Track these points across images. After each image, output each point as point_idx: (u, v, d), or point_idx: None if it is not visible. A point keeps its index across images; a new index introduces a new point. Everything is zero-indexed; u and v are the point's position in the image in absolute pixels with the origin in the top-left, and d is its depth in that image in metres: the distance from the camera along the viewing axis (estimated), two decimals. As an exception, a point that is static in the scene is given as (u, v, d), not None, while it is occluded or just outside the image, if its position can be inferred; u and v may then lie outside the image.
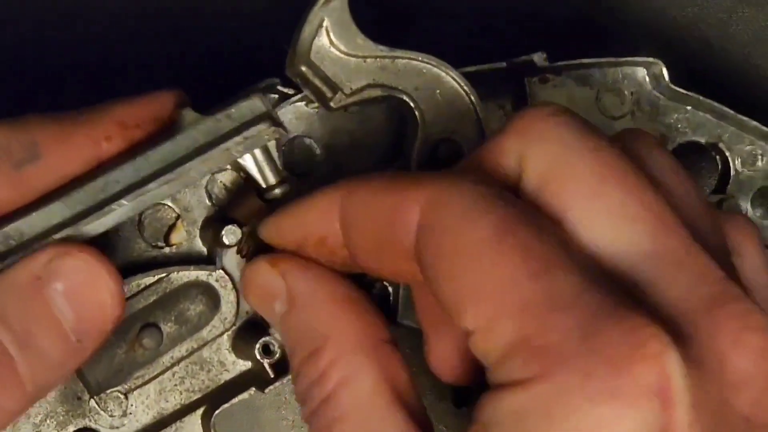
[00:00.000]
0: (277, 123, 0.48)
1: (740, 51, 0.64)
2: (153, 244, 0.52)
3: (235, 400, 0.53)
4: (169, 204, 0.52)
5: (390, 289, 0.54)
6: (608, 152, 0.40)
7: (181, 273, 0.52)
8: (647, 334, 0.35)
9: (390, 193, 0.42)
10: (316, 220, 0.45)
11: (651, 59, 0.56)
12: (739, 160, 0.58)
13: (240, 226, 0.50)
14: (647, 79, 0.57)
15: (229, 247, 0.51)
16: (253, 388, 0.53)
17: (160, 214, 0.52)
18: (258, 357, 0.52)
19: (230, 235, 0.50)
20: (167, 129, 0.48)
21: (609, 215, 0.39)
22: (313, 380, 0.43)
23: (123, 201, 0.46)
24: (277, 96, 0.53)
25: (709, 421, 0.35)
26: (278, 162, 0.50)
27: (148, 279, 0.52)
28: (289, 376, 0.51)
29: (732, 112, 0.57)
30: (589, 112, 0.56)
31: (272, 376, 0.52)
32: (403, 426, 0.42)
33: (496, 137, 0.42)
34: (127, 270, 0.51)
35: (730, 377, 0.36)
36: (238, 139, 0.48)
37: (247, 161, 0.49)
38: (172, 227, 0.53)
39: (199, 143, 0.48)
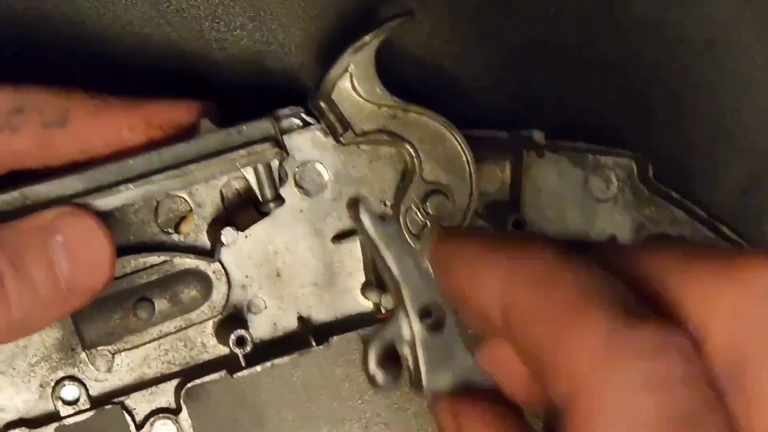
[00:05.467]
0: (280, 146, 0.61)
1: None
2: (164, 230, 0.65)
3: (206, 379, 0.65)
4: (185, 197, 0.64)
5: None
6: None
7: (183, 259, 0.64)
8: None
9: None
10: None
11: (639, 154, 0.68)
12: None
13: (237, 228, 0.63)
14: (635, 171, 0.69)
15: (224, 245, 0.63)
16: (225, 371, 0.65)
17: (175, 205, 0.64)
18: (231, 346, 0.64)
19: (228, 235, 0.63)
20: (186, 134, 0.61)
21: None
22: None
23: (130, 186, 0.59)
24: (300, 122, 0.65)
25: None
26: (277, 180, 0.62)
27: (154, 259, 0.64)
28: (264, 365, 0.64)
29: (705, 215, 0.69)
30: (576, 191, 0.68)
31: (243, 365, 0.65)
32: None
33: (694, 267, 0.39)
34: (139, 248, 0.64)
35: None
36: (242, 152, 0.60)
37: (249, 174, 0.62)
38: (183, 218, 0.65)
39: (208, 150, 0.60)
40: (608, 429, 0.35)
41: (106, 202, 0.59)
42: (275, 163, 0.62)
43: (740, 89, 0.71)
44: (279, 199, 0.63)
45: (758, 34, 0.71)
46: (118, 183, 0.59)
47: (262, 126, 0.62)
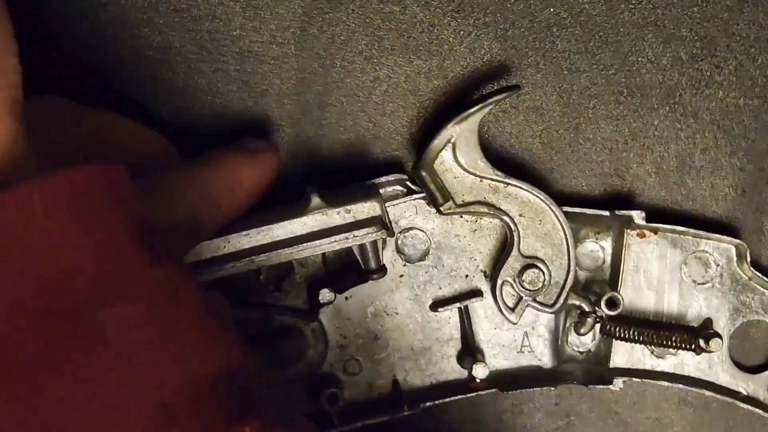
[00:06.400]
0: (386, 227, 0.63)
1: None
2: (267, 287, 0.67)
3: (298, 436, 0.68)
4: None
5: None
6: None
7: (283, 316, 0.67)
8: None
9: None
10: None
11: (738, 241, 0.69)
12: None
13: (336, 291, 0.65)
14: (734, 257, 0.70)
15: (322, 305, 0.65)
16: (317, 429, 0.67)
17: (279, 263, 0.67)
18: (322, 403, 0.66)
19: (325, 295, 0.65)
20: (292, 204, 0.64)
21: None
22: None
23: (239, 263, 0.62)
24: (403, 189, 0.67)
25: None
26: (381, 251, 0.65)
27: (254, 314, 0.66)
28: (355, 425, 0.67)
29: (803, 304, 0.70)
30: (674, 273, 0.70)
31: (335, 422, 0.67)
32: None
33: None
34: (240, 303, 0.67)
35: None
36: (349, 234, 0.63)
37: (355, 249, 0.64)
38: (285, 277, 0.67)
39: (317, 229, 0.63)
40: None
41: (217, 275, 0.62)
42: (380, 239, 0.65)
43: (740, 88, 0.71)
44: (382, 271, 0.65)
45: (758, 33, 0.71)
46: (228, 259, 0.62)
47: (369, 206, 0.64)
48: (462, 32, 0.69)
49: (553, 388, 0.70)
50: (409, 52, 0.68)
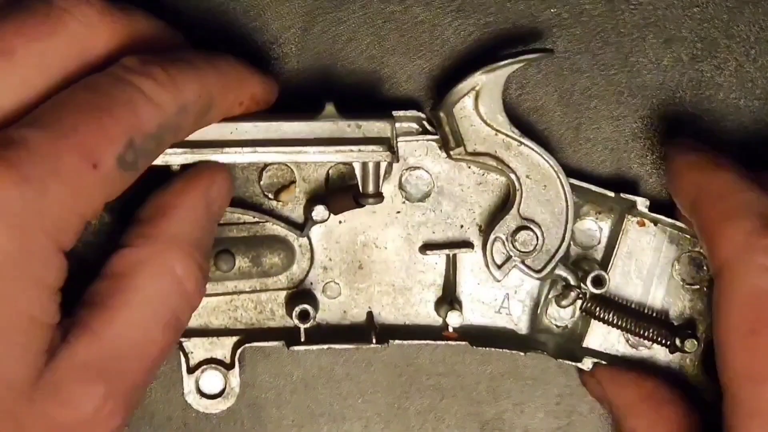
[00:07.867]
0: (392, 150, 0.64)
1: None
2: (265, 193, 0.68)
3: (263, 344, 0.68)
4: (293, 168, 0.68)
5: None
6: None
7: (274, 226, 0.68)
8: None
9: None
10: None
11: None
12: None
13: (331, 211, 0.66)
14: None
15: (315, 222, 0.66)
16: (283, 342, 0.68)
17: (281, 173, 0.68)
18: (293, 319, 0.67)
19: (319, 212, 0.66)
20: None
21: None
22: None
23: (242, 150, 0.62)
24: (418, 128, 0.68)
25: None
26: (382, 178, 0.65)
27: (247, 217, 0.67)
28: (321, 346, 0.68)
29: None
30: (665, 268, 0.70)
31: (302, 339, 0.68)
32: None
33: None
34: (236, 203, 0.67)
35: None
36: (354, 148, 0.63)
37: (356, 166, 0.64)
38: (285, 187, 0.68)
39: (324, 135, 0.63)
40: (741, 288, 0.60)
41: (220, 158, 0.63)
42: (383, 163, 0.65)
43: (740, 90, 0.72)
44: (379, 197, 0.65)
45: (758, 35, 0.71)
46: (233, 144, 0.63)
47: (380, 127, 0.64)
48: (463, 32, 0.70)
49: (524, 363, 0.71)
50: (411, 52, 0.70)
